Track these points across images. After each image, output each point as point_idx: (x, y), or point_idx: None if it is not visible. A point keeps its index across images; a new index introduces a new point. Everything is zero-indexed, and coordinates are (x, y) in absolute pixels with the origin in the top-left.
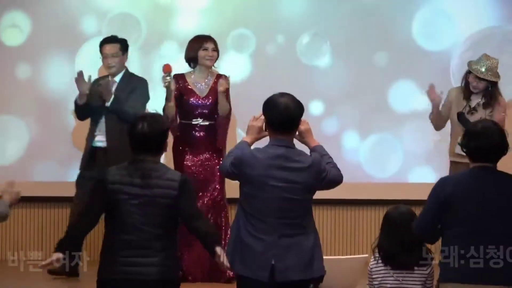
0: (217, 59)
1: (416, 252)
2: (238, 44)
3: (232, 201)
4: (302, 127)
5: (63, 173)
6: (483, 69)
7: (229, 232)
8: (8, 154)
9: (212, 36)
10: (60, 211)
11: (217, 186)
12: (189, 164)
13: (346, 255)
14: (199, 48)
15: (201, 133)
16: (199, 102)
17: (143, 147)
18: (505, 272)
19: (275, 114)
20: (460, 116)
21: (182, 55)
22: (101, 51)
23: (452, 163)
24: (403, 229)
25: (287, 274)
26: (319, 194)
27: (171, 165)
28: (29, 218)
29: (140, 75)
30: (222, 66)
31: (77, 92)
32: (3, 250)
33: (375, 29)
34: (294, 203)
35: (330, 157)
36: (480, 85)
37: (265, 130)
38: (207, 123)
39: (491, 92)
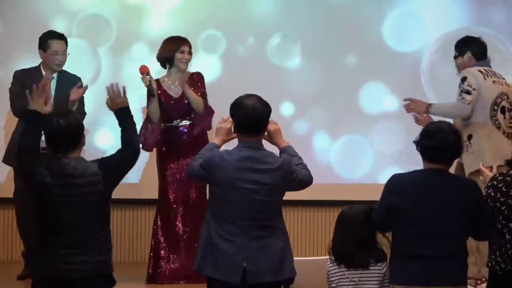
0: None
1: (370, 250)
2: (209, 45)
3: None
4: (271, 127)
5: None
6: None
7: None
8: None
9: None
10: None
11: (201, 190)
12: (173, 168)
13: (317, 256)
14: (176, 50)
15: (186, 135)
16: (175, 103)
17: (61, 143)
18: (457, 271)
19: (242, 116)
20: None
21: (153, 56)
22: (48, 46)
23: None
24: (358, 228)
25: (259, 277)
26: (290, 195)
27: (154, 170)
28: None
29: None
30: (193, 67)
31: None
32: None
33: (345, 31)
34: (264, 205)
35: (300, 157)
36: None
37: (234, 132)
38: (188, 122)
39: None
